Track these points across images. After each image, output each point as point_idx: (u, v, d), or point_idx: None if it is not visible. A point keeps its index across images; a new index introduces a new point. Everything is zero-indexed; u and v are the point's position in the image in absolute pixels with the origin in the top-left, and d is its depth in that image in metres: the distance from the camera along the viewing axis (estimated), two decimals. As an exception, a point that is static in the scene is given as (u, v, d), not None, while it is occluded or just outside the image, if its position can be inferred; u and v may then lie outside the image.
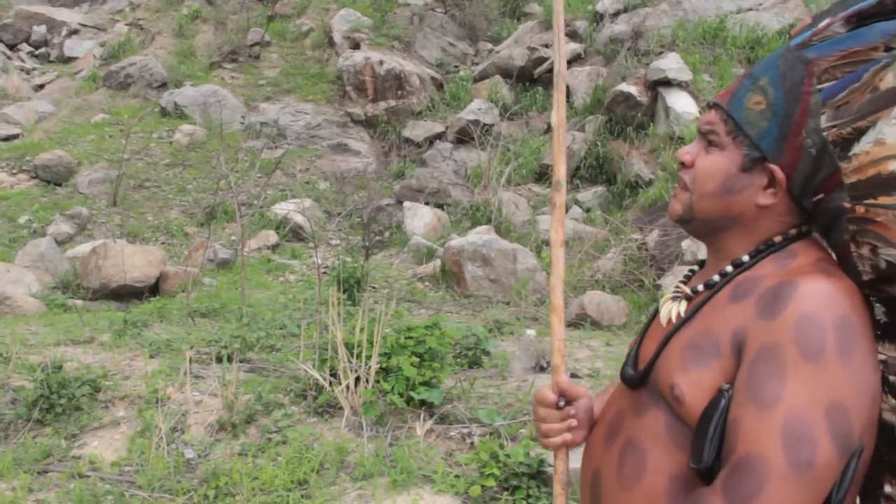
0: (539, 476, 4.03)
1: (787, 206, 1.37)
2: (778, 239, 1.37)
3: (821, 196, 1.35)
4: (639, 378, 1.41)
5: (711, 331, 1.31)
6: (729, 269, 1.38)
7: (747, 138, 1.36)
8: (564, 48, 1.57)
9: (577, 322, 7.38)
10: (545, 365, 6.05)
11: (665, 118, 10.78)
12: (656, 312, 1.53)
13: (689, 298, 1.45)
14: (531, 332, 6.95)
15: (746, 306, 1.28)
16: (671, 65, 11.00)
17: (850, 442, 1.16)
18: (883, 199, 1.28)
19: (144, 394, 4.92)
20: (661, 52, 11.74)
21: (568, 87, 12.22)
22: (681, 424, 1.31)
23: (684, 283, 1.53)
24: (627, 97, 10.99)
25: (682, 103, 10.76)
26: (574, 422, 1.52)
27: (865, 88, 1.31)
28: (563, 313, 1.52)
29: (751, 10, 12.65)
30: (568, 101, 12.13)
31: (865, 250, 1.30)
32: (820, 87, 1.34)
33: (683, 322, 1.38)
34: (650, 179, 10.38)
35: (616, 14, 13.25)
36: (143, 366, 5.44)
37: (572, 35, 13.35)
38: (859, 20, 1.36)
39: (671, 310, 1.45)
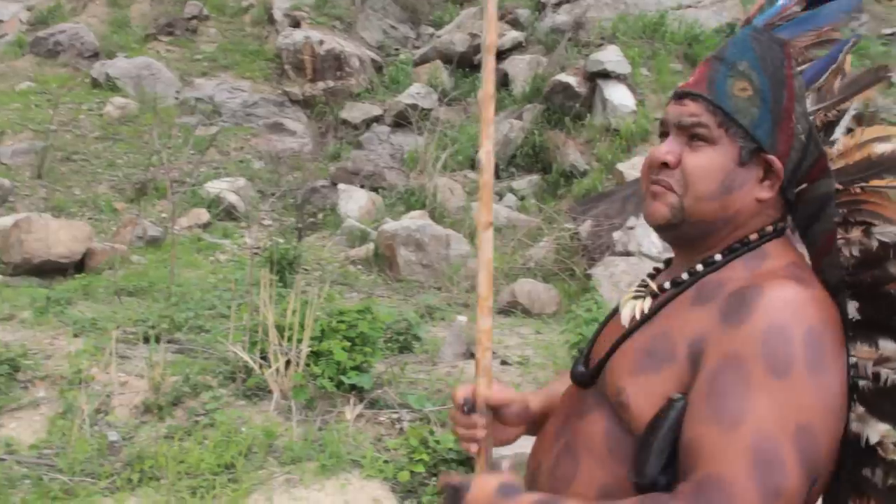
0: (468, 462, 4.06)
1: (776, 199, 1.28)
2: (754, 237, 1.27)
3: (804, 186, 1.27)
4: (587, 377, 1.33)
5: (669, 334, 1.21)
6: (699, 267, 1.28)
7: (741, 129, 1.24)
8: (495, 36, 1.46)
9: (508, 309, 7.44)
10: (476, 351, 6.09)
11: (602, 110, 10.90)
12: (616, 309, 1.41)
13: (654, 296, 1.32)
14: (462, 319, 6.97)
15: (709, 311, 1.19)
16: (610, 57, 11.11)
17: (817, 467, 1.08)
18: (874, 182, 1.24)
19: (67, 374, 4.80)
20: (601, 44, 11.85)
21: (507, 75, 12.27)
22: (622, 433, 1.22)
23: (651, 279, 1.40)
24: (566, 87, 11.08)
25: (619, 96, 10.90)
26: (479, 432, 1.39)
27: (840, 69, 1.30)
28: (491, 304, 1.39)
29: (690, 6, 12.85)
30: (506, 89, 12.17)
31: (856, 232, 1.23)
32: (800, 69, 1.28)
33: (643, 321, 1.28)
34: (585, 170, 10.49)
35: (558, 4, 13.33)
36: (66, 345, 5.31)
37: (514, 23, 13.39)
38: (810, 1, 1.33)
39: (634, 307, 1.33)
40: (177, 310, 6.09)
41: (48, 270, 7.69)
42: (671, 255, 1.43)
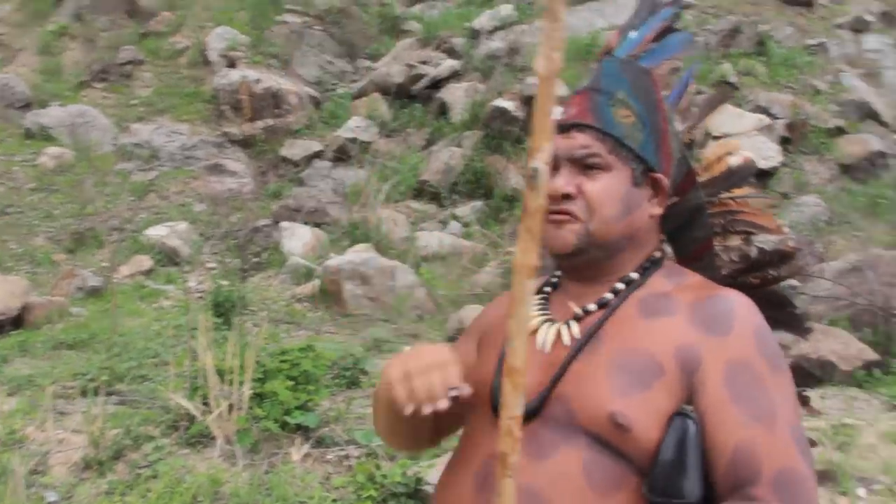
0: (417, 494, 4.03)
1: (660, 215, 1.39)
2: (658, 255, 1.36)
3: (675, 199, 1.38)
4: (530, 411, 1.22)
5: (639, 350, 1.22)
6: (620, 286, 1.32)
7: (631, 152, 1.32)
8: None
9: (457, 337, 7.42)
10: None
11: (540, 133, 11.00)
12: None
13: (577, 319, 1.32)
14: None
15: (676, 323, 1.23)
16: (545, 80, 11.23)
17: None
18: (736, 191, 1.43)
19: (0, 436, 4.66)
20: (535, 68, 11.98)
21: (445, 104, 12.34)
22: (605, 459, 1.18)
23: (544, 306, 1.38)
24: (504, 112, 11.18)
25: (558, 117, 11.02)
26: (441, 403, 1.24)
27: (691, 92, 1.48)
28: (525, 380, 1.05)
29: (619, 27, 13.09)
30: (445, 117, 12.24)
31: (735, 240, 1.40)
32: (664, 94, 1.40)
33: (583, 344, 1.27)
34: (528, 193, 10.56)
35: (492, 31, 13.46)
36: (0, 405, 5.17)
37: (450, 52, 13.50)
38: (660, 34, 1.45)
39: (556, 333, 1.31)
40: (118, 360, 5.97)
41: (-16, 329, 7.49)
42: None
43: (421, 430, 1.46)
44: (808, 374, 1.50)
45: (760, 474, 1.13)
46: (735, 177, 1.44)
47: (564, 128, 1.35)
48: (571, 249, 1.32)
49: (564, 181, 1.32)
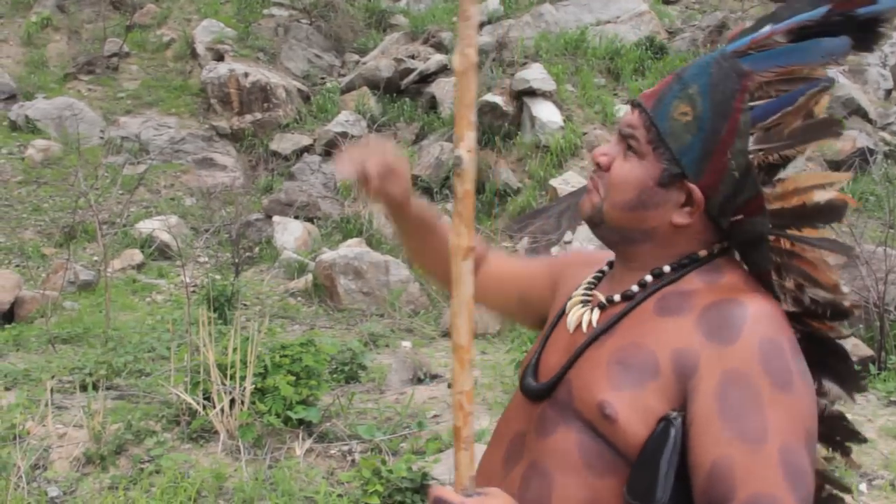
0: (423, 490, 4.03)
1: (704, 224, 1.26)
2: (703, 253, 1.27)
3: (740, 217, 1.23)
4: (544, 390, 1.29)
5: (642, 345, 1.19)
6: (649, 279, 1.27)
7: (668, 151, 1.23)
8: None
9: (450, 333, 7.43)
10: (423, 377, 6.09)
11: (531, 127, 11.03)
12: (560, 318, 1.39)
13: (602, 308, 1.31)
14: (407, 344, 6.98)
15: (683, 324, 1.18)
16: (535, 75, 11.27)
17: (815, 468, 1.13)
18: (808, 232, 1.22)
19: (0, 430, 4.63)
20: (525, 63, 12.01)
21: (434, 98, 12.34)
22: (598, 445, 1.19)
23: (593, 285, 1.39)
24: (494, 107, 11.19)
25: (546, 112, 11.05)
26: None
27: (799, 112, 1.20)
28: (471, 353, 1.16)
29: (609, 22, 13.13)
30: (435, 112, 12.24)
31: (790, 283, 1.24)
32: (752, 104, 1.20)
33: (599, 334, 1.26)
34: (518, 188, 10.60)
35: (480, 25, 13.41)
36: (-1, 399, 5.13)
37: (438, 46, 13.48)
38: (800, 33, 1.22)
39: (581, 316, 1.32)
40: (115, 354, 5.93)
41: (-25, 323, 7.43)
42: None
43: (426, 244, 1.70)
44: (853, 432, 1.32)
45: (733, 496, 1.06)
46: (810, 216, 1.22)
47: (635, 103, 1.30)
48: (585, 217, 1.35)
49: (605, 150, 1.31)
